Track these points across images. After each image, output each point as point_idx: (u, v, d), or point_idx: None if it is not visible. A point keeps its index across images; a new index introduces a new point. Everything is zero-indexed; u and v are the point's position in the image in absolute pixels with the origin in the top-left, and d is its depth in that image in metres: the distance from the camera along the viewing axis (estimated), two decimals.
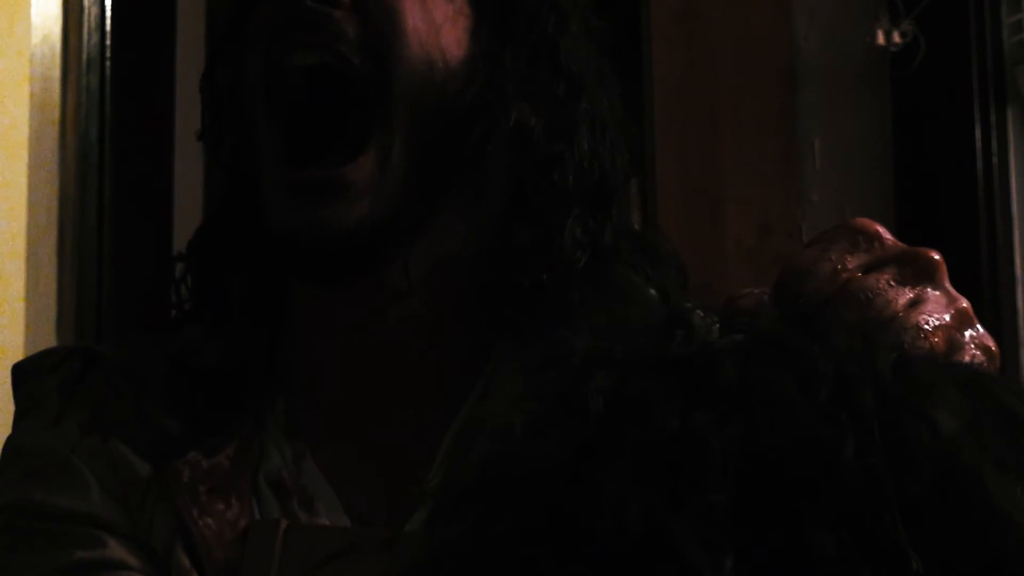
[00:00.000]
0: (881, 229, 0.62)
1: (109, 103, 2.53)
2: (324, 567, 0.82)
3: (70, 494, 0.83)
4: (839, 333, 0.48)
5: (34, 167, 2.55)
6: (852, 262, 0.60)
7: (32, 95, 2.54)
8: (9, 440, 0.89)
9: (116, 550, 0.82)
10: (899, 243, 0.62)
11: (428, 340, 0.86)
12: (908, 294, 0.60)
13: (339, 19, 0.81)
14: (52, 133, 2.53)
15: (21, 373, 0.91)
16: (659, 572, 0.41)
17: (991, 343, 0.61)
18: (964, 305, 0.61)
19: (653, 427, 0.43)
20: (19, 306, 2.54)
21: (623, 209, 0.91)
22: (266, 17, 0.83)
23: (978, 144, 1.74)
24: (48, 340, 2.50)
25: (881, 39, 1.82)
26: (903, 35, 1.80)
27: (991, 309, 1.69)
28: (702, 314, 0.49)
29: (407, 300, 0.85)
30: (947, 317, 0.60)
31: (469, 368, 0.86)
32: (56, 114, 2.53)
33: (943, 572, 0.40)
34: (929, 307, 0.60)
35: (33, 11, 2.54)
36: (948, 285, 0.62)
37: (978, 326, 0.61)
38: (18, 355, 2.54)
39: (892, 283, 0.60)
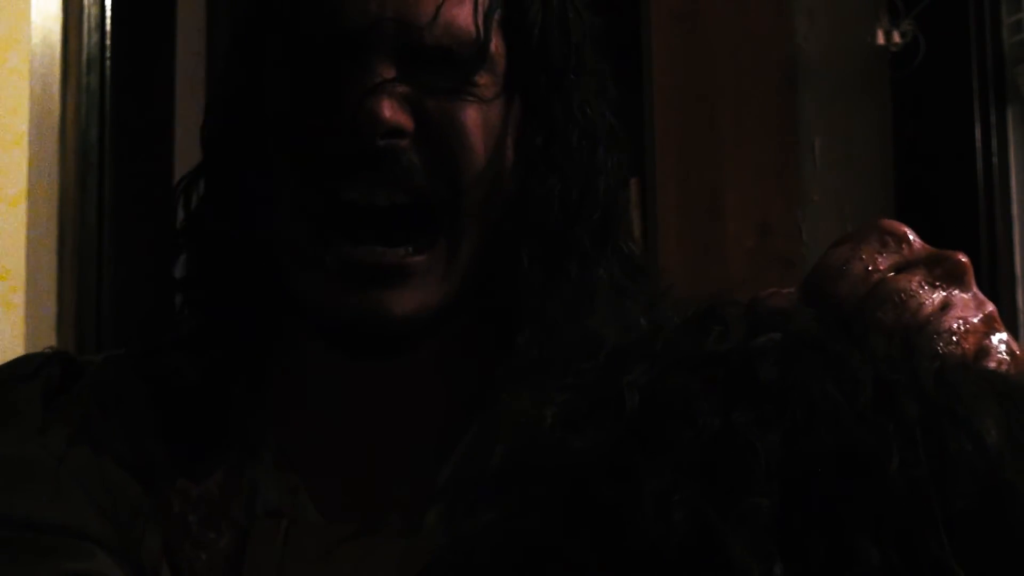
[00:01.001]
0: (909, 230, 0.62)
1: (109, 103, 2.53)
2: (334, 553, 0.81)
3: (58, 505, 0.81)
4: (878, 337, 0.48)
5: (34, 167, 2.55)
6: (883, 263, 0.60)
7: (32, 95, 2.54)
8: None
9: (104, 563, 0.80)
10: (927, 245, 0.62)
11: (434, 378, 0.85)
12: (939, 297, 0.59)
13: (407, 150, 0.79)
14: (52, 133, 2.53)
15: None
16: (705, 573, 0.40)
17: (1016, 347, 0.60)
18: (991, 309, 0.60)
19: (694, 425, 0.42)
20: (19, 306, 2.54)
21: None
22: (326, 150, 0.79)
23: (978, 144, 1.74)
24: (48, 340, 2.50)
25: (881, 39, 1.82)
26: (903, 35, 1.80)
27: None
28: (735, 311, 0.49)
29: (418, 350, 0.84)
30: (976, 321, 0.59)
31: (474, 398, 0.84)
32: (56, 114, 2.53)
33: None
34: (959, 310, 0.59)
35: (33, 11, 2.54)
36: (976, 288, 0.61)
37: (1004, 331, 0.60)
38: (18, 354, 2.54)
39: (924, 285, 0.59)
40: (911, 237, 0.61)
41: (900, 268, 0.60)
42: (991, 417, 0.43)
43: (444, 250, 0.80)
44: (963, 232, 1.74)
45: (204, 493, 0.83)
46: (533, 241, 0.82)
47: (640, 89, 1.98)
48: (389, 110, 0.77)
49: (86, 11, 2.52)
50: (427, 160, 0.79)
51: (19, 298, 2.52)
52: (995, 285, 1.72)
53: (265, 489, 0.83)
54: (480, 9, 0.80)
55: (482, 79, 0.80)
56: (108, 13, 2.53)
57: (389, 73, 0.78)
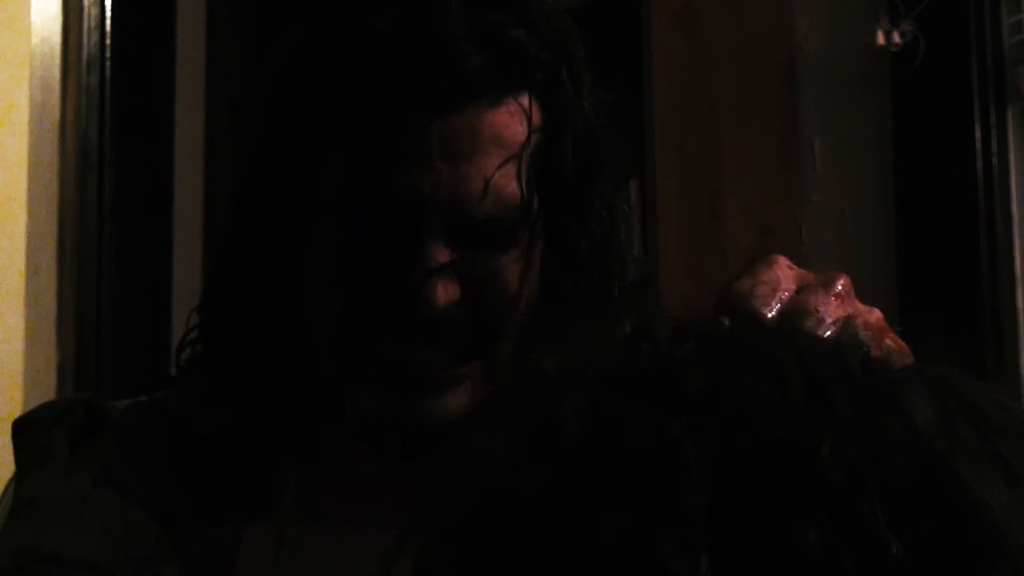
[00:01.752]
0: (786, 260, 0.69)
1: (109, 103, 2.53)
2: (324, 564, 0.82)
3: (80, 541, 0.83)
4: (804, 336, 0.51)
5: (34, 167, 2.55)
6: (786, 284, 0.66)
7: (32, 95, 2.55)
8: (21, 491, 0.89)
9: None
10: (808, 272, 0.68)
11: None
12: (842, 308, 0.65)
13: (454, 318, 0.80)
14: (52, 133, 2.53)
15: (23, 426, 0.91)
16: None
17: (905, 347, 0.65)
18: (879, 314, 0.67)
19: (628, 442, 0.44)
20: (19, 306, 2.54)
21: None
22: (372, 317, 0.80)
23: (978, 144, 1.74)
24: (48, 340, 2.50)
25: (881, 39, 1.82)
26: (903, 35, 1.80)
27: (991, 309, 1.69)
28: (664, 328, 0.50)
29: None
30: (874, 323, 0.66)
31: None
32: (56, 114, 2.53)
33: (922, 557, 0.41)
34: (860, 320, 0.65)
35: (33, 11, 2.54)
36: (857, 301, 0.67)
37: (891, 331, 0.67)
38: (18, 355, 2.55)
39: (828, 300, 0.65)
40: (788, 264, 0.69)
41: (800, 289, 0.66)
42: (919, 396, 0.46)
43: (484, 362, 0.83)
44: (963, 232, 1.74)
45: (225, 537, 0.85)
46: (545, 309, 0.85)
47: (640, 89, 1.98)
48: (443, 295, 0.78)
49: (86, 11, 2.52)
50: (472, 318, 0.81)
51: (19, 298, 2.53)
52: (995, 285, 1.72)
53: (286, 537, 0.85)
54: (523, 173, 0.81)
55: (524, 233, 0.82)
56: (108, 13, 2.53)
57: (442, 256, 0.79)
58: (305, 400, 0.87)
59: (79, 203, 2.49)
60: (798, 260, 0.72)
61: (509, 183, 0.80)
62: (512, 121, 0.80)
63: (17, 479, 0.91)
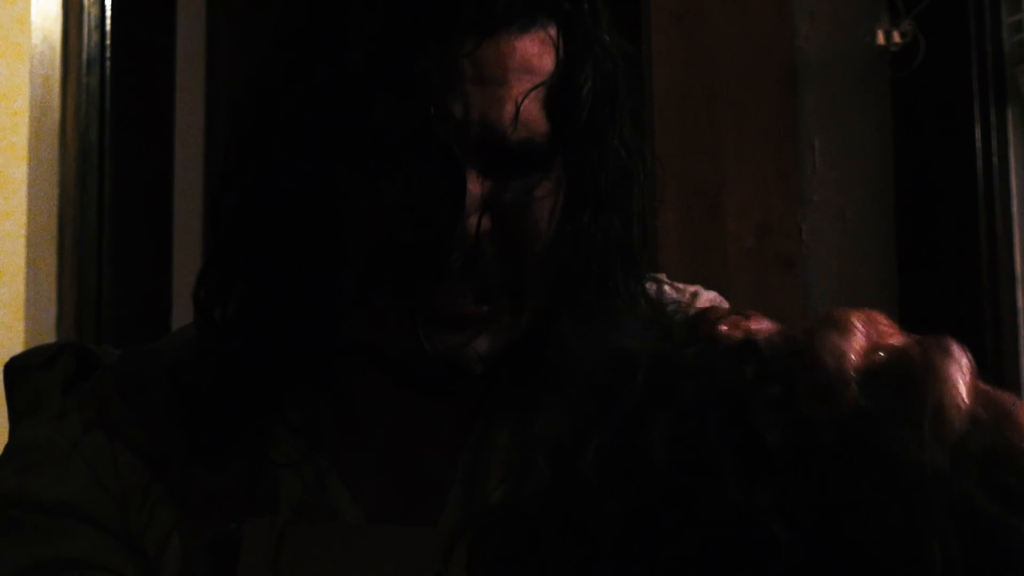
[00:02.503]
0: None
1: (109, 103, 2.53)
2: (372, 552, 0.82)
3: (63, 485, 0.84)
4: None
5: (34, 167, 2.55)
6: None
7: (32, 95, 2.55)
8: (13, 437, 0.89)
9: (102, 548, 0.83)
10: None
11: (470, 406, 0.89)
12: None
13: (484, 253, 0.80)
14: (52, 133, 2.54)
15: (14, 371, 0.91)
16: None
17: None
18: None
19: (719, 505, 0.42)
20: (19, 306, 2.54)
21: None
22: (403, 255, 0.79)
23: (978, 144, 1.74)
24: (48, 340, 2.50)
25: (881, 39, 1.82)
26: (903, 35, 1.80)
27: (991, 309, 1.69)
28: (776, 343, 0.48)
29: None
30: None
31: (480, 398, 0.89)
32: (56, 114, 2.53)
33: None
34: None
35: (33, 11, 2.54)
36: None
37: None
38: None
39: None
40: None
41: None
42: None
43: (509, 306, 0.83)
44: (963, 232, 1.74)
45: (223, 484, 0.84)
46: (568, 276, 0.84)
47: (640, 89, 1.98)
48: (474, 226, 0.78)
49: (86, 11, 2.52)
50: (502, 252, 0.81)
51: (19, 298, 2.53)
52: (995, 285, 1.72)
53: (289, 481, 0.85)
54: (550, 100, 0.81)
55: (554, 162, 0.82)
56: (108, 13, 2.53)
57: (476, 187, 0.78)
58: (323, 338, 0.85)
59: (79, 202, 2.49)
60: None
61: (539, 109, 0.80)
62: (540, 49, 0.81)
63: (11, 425, 0.91)
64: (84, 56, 2.53)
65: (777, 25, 1.91)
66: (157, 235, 2.58)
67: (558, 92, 0.82)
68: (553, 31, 0.82)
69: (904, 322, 0.66)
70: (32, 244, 2.54)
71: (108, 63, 2.54)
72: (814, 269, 1.84)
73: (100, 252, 2.52)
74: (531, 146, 0.80)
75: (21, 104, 2.55)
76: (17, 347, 2.54)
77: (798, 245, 1.86)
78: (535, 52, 0.81)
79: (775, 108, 1.90)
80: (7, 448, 0.89)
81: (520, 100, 0.79)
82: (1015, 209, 1.75)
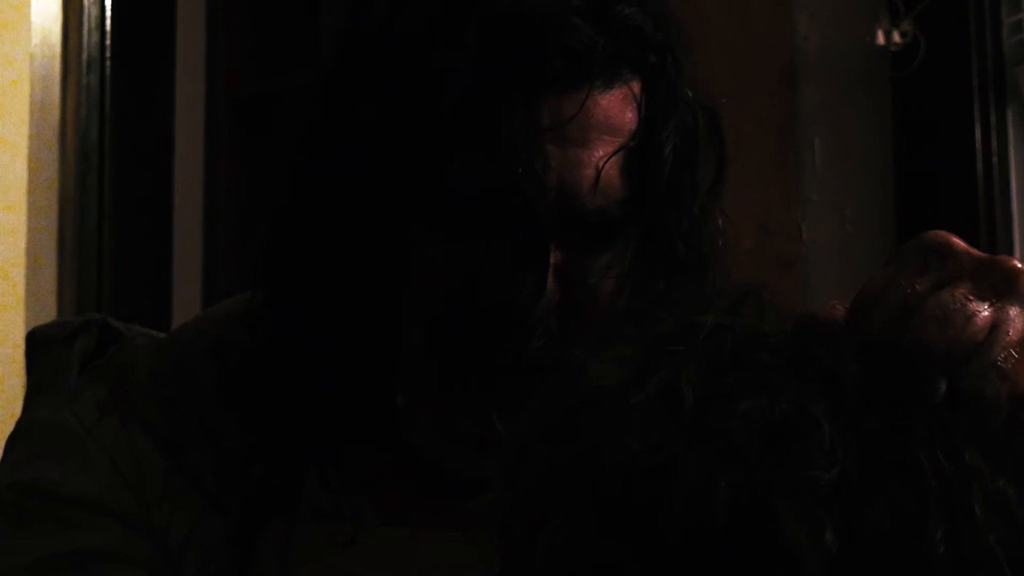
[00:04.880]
0: (954, 240, 0.58)
1: (109, 103, 2.53)
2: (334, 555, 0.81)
3: (83, 478, 0.81)
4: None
5: (34, 167, 2.54)
6: (923, 283, 0.56)
7: (32, 95, 2.54)
8: (27, 412, 0.87)
9: (124, 541, 0.80)
10: (975, 252, 0.58)
11: None
12: (987, 311, 0.55)
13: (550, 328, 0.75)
14: (52, 133, 2.53)
15: (36, 343, 0.89)
16: (748, 550, 0.40)
17: None
18: None
19: (758, 406, 0.43)
20: (19, 306, 2.54)
21: None
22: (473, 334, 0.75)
23: (978, 144, 1.74)
24: None
25: (881, 39, 1.82)
26: (903, 35, 1.79)
27: None
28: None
29: None
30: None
31: None
32: (56, 114, 2.53)
33: None
34: (1010, 328, 0.55)
35: (33, 11, 2.54)
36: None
37: None
38: (18, 355, 2.54)
39: (969, 298, 0.55)
40: (956, 248, 0.58)
41: (942, 284, 0.56)
42: None
43: None
44: (963, 232, 1.74)
45: (250, 482, 0.81)
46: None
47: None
48: (546, 304, 0.73)
49: (86, 11, 2.52)
50: (563, 326, 0.76)
51: (19, 298, 2.52)
52: None
53: (309, 482, 0.82)
54: (629, 162, 0.76)
55: (629, 231, 0.78)
56: (108, 13, 2.53)
57: (553, 257, 0.74)
58: (377, 398, 0.81)
59: (79, 202, 2.49)
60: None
61: (618, 174, 0.75)
62: (622, 106, 0.76)
63: (27, 399, 0.88)
64: (84, 56, 2.53)
65: (777, 25, 1.91)
66: (157, 235, 2.58)
67: (638, 154, 0.77)
68: (636, 87, 0.77)
69: None
70: (32, 243, 2.54)
71: (108, 63, 2.53)
72: (814, 269, 1.84)
73: (100, 252, 2.52)
74: (606, 216, 0.75)
75: (21, 104, 2.55)
76: (17, 347, 2.53)
77: (798, 245, 1.85)
78: (617, 110, 0.76)
79: (775, 108, 1.90)
80: (20, 423, 0.87)
81: (601, 164, 0.74)
82: (1015, 209, 1.74)
